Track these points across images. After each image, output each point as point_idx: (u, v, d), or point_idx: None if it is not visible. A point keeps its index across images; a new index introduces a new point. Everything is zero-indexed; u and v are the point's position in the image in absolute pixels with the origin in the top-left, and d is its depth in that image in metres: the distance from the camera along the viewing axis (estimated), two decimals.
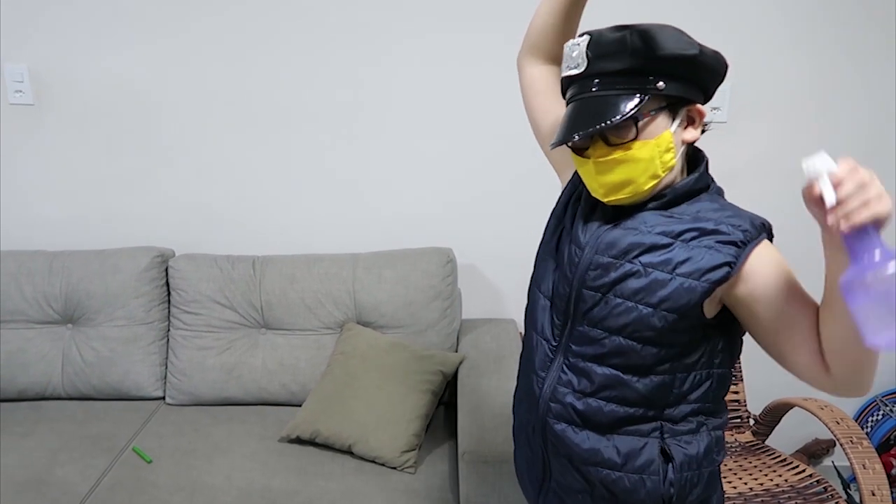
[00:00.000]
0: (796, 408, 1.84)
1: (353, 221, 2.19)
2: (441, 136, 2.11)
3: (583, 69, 0.94)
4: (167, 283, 2.08)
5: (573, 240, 1.03)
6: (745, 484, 1.71)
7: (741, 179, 2.13)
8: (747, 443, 1.94)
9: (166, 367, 2.05)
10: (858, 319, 0.78)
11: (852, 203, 0.75)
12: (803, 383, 2.44)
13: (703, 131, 1.00)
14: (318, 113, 2.10)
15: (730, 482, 1.72)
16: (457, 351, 2.03)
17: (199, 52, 2.05)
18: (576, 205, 1.08)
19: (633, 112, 0.90)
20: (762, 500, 1.63)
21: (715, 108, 2.07)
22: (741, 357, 2.16)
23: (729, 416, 1.97)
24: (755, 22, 1.99)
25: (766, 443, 1.95)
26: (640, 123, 0.92)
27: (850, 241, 0.77)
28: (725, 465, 1.81)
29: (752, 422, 1.99)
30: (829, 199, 0.76)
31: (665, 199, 0.97)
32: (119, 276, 2.01)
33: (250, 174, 2.16)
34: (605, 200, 0.98)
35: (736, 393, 2.00)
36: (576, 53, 0.95)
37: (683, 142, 0.98)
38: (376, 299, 1.99)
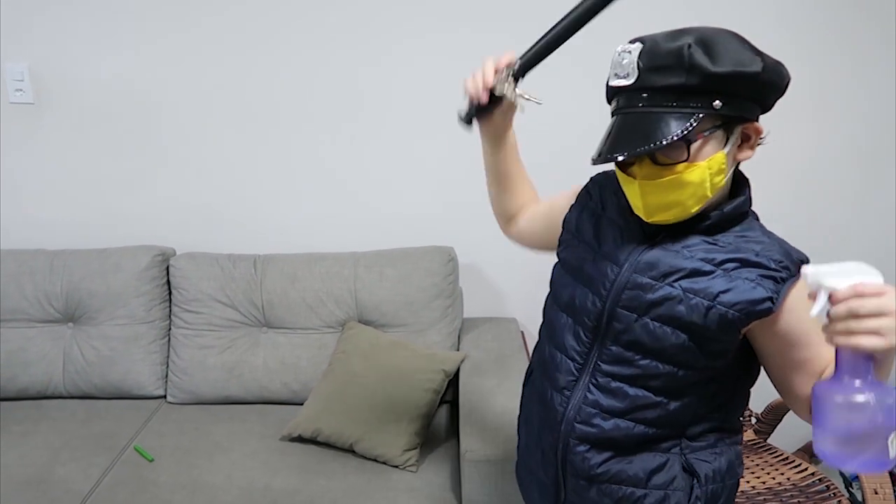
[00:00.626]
0: None
1: (353, 220, 2.19)
2: (442, 135, 2.11)
3: (632, 81, 0.87)
4: (168, 282, 2.08)
5: (607, 256, 0.99)
6: (748, 483, 1.71)
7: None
8: (749, 441, 1.93)
9: (167, 366, 2.05)
10: (815, 423, 0.81)
11: (837, 326, 0.75)
12: None
13: (745, 144, 0.93)
14: (318, 112, 2.10)
15: None
16: (458, 350, 2.03)
17: (199, 52, 2.05)
18: (591, 220, 1.07)
19: (685, 133, 0.84)
20: (765, 499, 1.63)
21: None
22: None
23: None
24: (752, 20, 1.99)
25: (768, 441, 1.94)
26: (693, 145, 0.86)
27: (840, 355, 0.78)
28: None
29: (753, 420, 1.99)
30: (813, 310, 0.77)
31: (710, 222, 0.93)
32: (120, 275, 2.01)
33: (251, 173, 2.16)
34: (647, 220, 0.93)
35: None
36: (626, 62, 0.88)
37: (736, 160, 0.92)
38: (378, 298, 1.99)
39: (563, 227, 1.13)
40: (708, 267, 0.91)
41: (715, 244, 0.93)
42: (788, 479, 1.71)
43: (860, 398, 0.76)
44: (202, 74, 2.07)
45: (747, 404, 1.09)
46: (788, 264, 0.90)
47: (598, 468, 1.00)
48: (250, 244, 2.20)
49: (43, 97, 2.09)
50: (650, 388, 0.97)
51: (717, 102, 0.85)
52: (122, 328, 2.01)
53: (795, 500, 1.62)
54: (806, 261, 0.91)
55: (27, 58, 2.06)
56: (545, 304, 1.16)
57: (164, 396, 2.05)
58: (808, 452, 2.23)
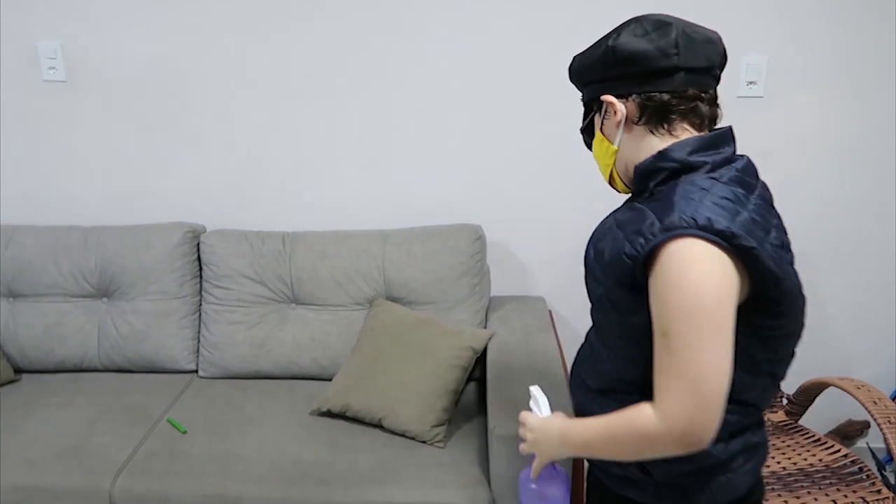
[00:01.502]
0: (829, 388, 1.81)
1: (382, 198, 2.19)
2: (471, 113, 2.10)
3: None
4: (199, 259, 2.10)
5: None
6: (779, 463, 1.69)
7: (777, 157, 2.09)
8: (780, 422, 1.91)
9: (199, 341, 2.08)
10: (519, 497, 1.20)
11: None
12: (837, 363, 2.41)
13: (643, 108, 0.98)
14: (349, 90, 2.09)
15: None
16: (485, 328, 2.03)
17: (231, 29, 2.05)
18: None
19: (583, 124, 1.10)
20: (796, 480, 1.62)
21: (750, 83, 2.02)
22: None
23: None
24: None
25: (800, 422, 1.92)
26: (593, 126, 1.07)
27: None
28: None
29: (785, 401, 1.96)
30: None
31: (634, 186, 1.04)
32: (152, 251, 2.04)
33: (280, 151, 2.17)
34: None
35: None
36: None
37: (620, 126, 1.01)
38: (406, 276, 1.99)
39: None
40: (613, 225, 1.02)
41: (634, 207, 1.00)
42: (820, 460, 1.69)
43: (533, 486, 1.15)
44: (233, 52, 2.07)
45: (751, 390, 1.04)
46: (670, 224, 0.88)
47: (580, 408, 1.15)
48: (279, 221, 2.22)
49: (75, 75, 2.11)
50: (603, 340, 1.06)
51: (582, 94, 1.08)
52: (155, 303, 2.04)
53: (827, 482, 1.60)
54: (704, 223, 0.87)
55: (60, 36, 2.08)
56: None
57: (196, 371, 2.09)
58: (840, 434, 2.21)
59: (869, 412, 1.60)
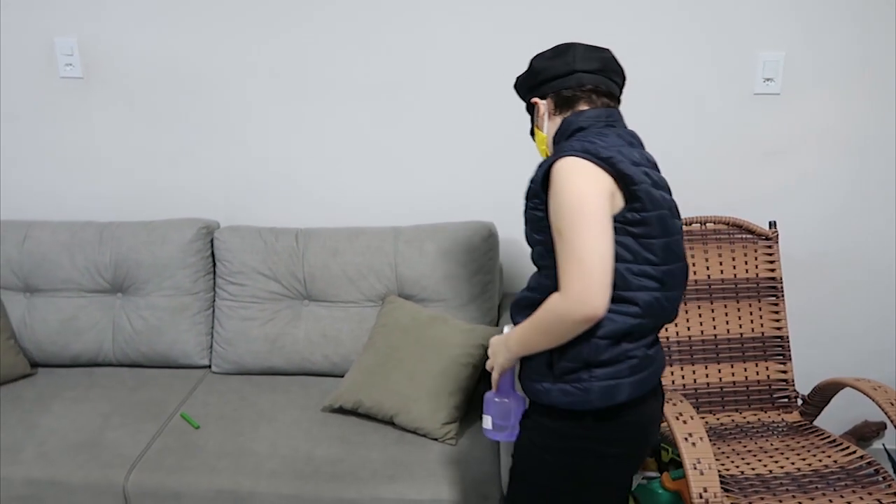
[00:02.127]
0: (845, 389, 1.79)
1: (395, 195, 2.19)
2: (484, 109, 2.09)
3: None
4: (213, 255, 2.11)
5: None
6: (793, 464, 1.67)
7: (793, 154, 2.07)
8: (795, 423, 1.90)
9: (212, 337, 2.09)
10: (484, 411, 1.38)
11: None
12: (853, 364, 2.39)
13: (558, 106, 1.30)
14: (362, 86, 2.09)
15: (777, 462, 1.69)
16: (498, 325, 2.02)
17: (244, 27, 2.06)
18: None
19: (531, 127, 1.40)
20: (810, 481, 1.60)
21: (767, 80, 2.00)
22: (789, 336, 2.12)
23: (776, 395, 1.94)
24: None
25: (815, 423, 1.90)
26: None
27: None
28: (772, 444, 1.78)
29: (799, 402, 1.95)
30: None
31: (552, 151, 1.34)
32: (166, 246, 2.05)
33: (294, 148, 2.17)
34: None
35: (784, 373, 1.96)
36: None
37: (545, 117, 1.32)
38: (418, 273, 1.99)
39: None
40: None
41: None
42: (836, 461, 1.67)
43: (496, 399, 1.35)
44: (247, 49, 2.08)
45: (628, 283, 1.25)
46: (559, 153, 1.18)
47: None
48: (293, 217, 2.23)
49: (92, 72, 2.13)
50: (539, 267, 1.26)
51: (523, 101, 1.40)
52: (169, 299, 2.06)
53: (842, 483, 1.59)
54: (581, 149, 1.17)
55: (77, 33, 2.09)
56: None
57: (209, 366, 2.10)
58: (855, 435, 2.18)
59: (886, 413, 1.58)
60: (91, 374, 2.05)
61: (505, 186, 2.16)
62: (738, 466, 1.68)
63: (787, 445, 1.78)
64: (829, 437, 1.79)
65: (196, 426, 1.77)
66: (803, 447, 1.76)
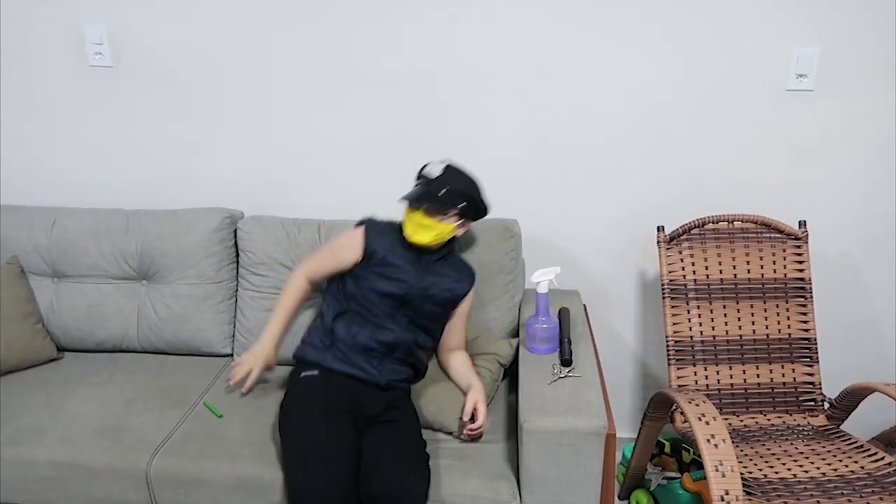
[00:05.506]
0: (873, 393, 1.75)
1: None
2: (508, 103, 2.07)
3: (435, 177, 1.74)
4: (236, 244, 2.12)
5: None
6: (818, 469, 1.64)
7: (824, 151, 2.02)
8: (821, 427, 1.86)
9: (234, 326, 2.11)
10: (528, 336, 1.81)
11: None
12: (882, 368, 2.36)
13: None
14: (386, 78, 2.09)
15: (801, 465, 1.66)
16: (519, 321, 2.01)
17: (271, 17, 2.06)
18: None
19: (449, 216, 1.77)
20: (835, 486, 1.57)
21: (801, 76, 1.95)
22: (817, 339, 2.08)
23: (802, 398, 1.90)
24: None
25: (841, 428, 1.86)
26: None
27: (538, 300, 1.79)
28: (796, 448, 1.75)
29: (826, 405, 1.91)
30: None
31: (443, 253, 1.82)
32: (191, 235, 2.07)
33: (318, 138, 2.17)
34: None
35: (811, 375, 1.92)
36: (436, 168, 1.75)
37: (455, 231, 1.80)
38: None
39: None
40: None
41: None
42: (862, 467, 1.64)
43: (546, 322, 1.78)
44: (273, 41, 2.08)
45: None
46: (472, 273, 1.88)
47: None
48: (316, 208, 2.23)
49: (121, 60, 2.15)
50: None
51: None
52: (193, 287, 2.07)
53: (869, 490, 1.55)
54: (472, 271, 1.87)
55: (106, 22, 2.11)
56: None
57: (231, 355, 2.12)
58: (883, 441, 2.14)
59: None
60: (116, 360, 2.08)
61: (529, 182, 2.15)
62: (760, 469, 1.65)
63: (813, 449, 1.75)
64: (855, 442, 1.75)
65: (219, 415, 1.79)
66: (829, 451, 1.73)
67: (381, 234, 1.81)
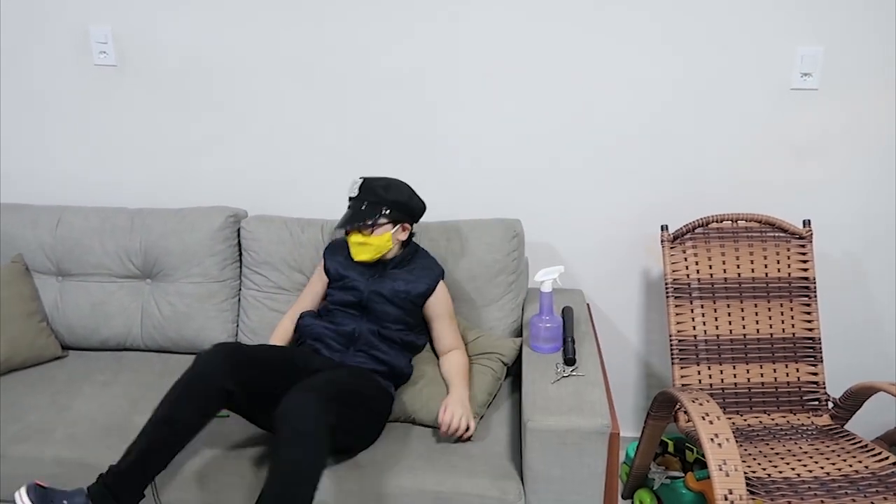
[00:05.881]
0: (878, 393, 1.75)
1: (421, 190, 2.18)
2: (512, 105, 2.07)
3: (355, 196, 1.80)
4: (240, 243, 2.13)
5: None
6: (822, 468, 1.64)
7: (829, 150, 2.02)
8: (825, 426, 1.86)
9: (238, 325, 2.11)
10: (532, 335, 1.82)
11: None
12: (886, 367, 2.35)
13: (411, 234, 1.86)
14: (390, 78, 2.09)
15: (805, 465, 1.65)
16: (522, 321, 2.01)
17: (275, 17, 2.06)
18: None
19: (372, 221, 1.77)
20: (840, 486, 1.57)
21: (805, 74, 1.95)
22: (821, 338, 2.08)
23: (806, 397, 1.90)
24: None
25: (845, 427, 1.86)
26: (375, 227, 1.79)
27: (541, 299, 1.78)
28: (800, 447, 1.75)
29: (830, 405, 1.91)
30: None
31: (396, 260, 1.86)
32: (195, 234, 2.07)
33: (322, 137, 2.18)
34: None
35: (815, 375, 1.92)
36: (355, 188, 1.80)
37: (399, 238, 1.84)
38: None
39: None
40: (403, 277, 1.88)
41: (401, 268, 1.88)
42: (867, 467, 1.64)
43: (550, 321, 1.78)
44: (277, 40, 2.08)
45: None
46: (438, 273, 1.87)
47: None
48: (319, 208, 2.24)
49: (125, 60, 2.15)
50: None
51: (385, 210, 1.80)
52: (197, 286, 2.08)
53: (873, 490, 1.55)
54: (441, 275, 1.88)
55: (111, 21, 2.12)
56: None
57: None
58: (888, 441, 2.13)
59: None
60: (120, 359, 2.09)
61: (532, 182, 2.15)
62: (764, 469, 1.65)
63: (817, 449, 1.74)
64: (860, 441, 1.75)
65: (225, 416, 1.79)
66: (833, 451, 1.73)
67: (336, 253, 1.89)
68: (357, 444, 1.63)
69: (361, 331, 1.78)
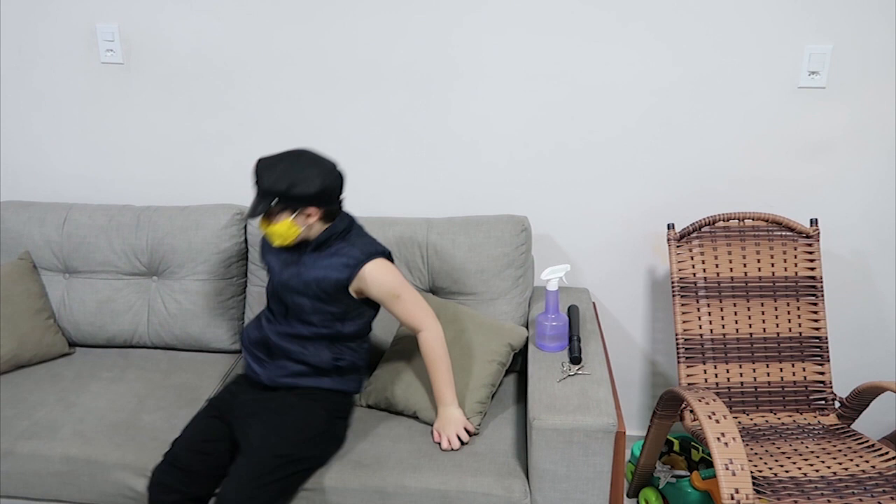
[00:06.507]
0: (885, 393, 1.74)
1: (428, 185, 2.19)
2: (520, 102, 2.07)
3: (253, 181, 1.65)
4: (246, 241, 2.13)
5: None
6: (829, 468, 1.64)
7: (836, 149, 2.01)
8: (831, 426, 1.85)
9: (243, 322, 2.12)
10: (538, 333, 1.82)
11: None
12: (893, 367, 2.34)
13: (329, 213, 1.67)
14: (396, 75, 2.08)
15: (811, 464, 1.65)
16: (528, 318, 2.01)
17: (282, 15, 2.06)
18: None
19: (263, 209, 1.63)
20: (846, 486, 1.56)
21: (813, 73, 1.94)
22: (828, 337, 2.08)
23: (812, 397, 1.89)
24: None
25: (852, 427, 1.86)
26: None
27: (547, 297, 1.78)
28: (807, 447, 1.74)
29: (837, 404, 1.90)
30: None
31: (313, 244, 1.69)
32: (201, 231, 2.08)
33: (327, 135, 2.18)
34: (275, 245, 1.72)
35: (821, 374, 1.91)
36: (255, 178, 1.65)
37: (309, 219, 1.65)
38: (449, 265, 1.98)
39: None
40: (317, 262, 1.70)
41: (322, 252, 1.70)
42: (873, 466, 1.63)
43: (556, 320, 1.78)
44: (283, 38, 2.08)
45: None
46: (360, 256, 1.65)
47: None
48: None
49: (132, 58, 2.16)
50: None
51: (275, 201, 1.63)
52: (203, 283, 2.08)
53: (880, 490, 1.54)
54: (382, 251, 1.69)
55: (118, 19, 2.12)
56: None
57: (241, 351, 2.12)
58: (894, 440, 2.13)
59: None
60: (127, 356, 2.10)
61: (539, 179, 2.14)
62: (770, 468, 1.65)
63: (823, 448, 1.74)
64: (867, 441, 1.74)
65: None
66: (839, 451, 1.72)
67: (267, 248, 1.81)
68: (325, 455, 1.63)
69: (269, 336, 1.71)
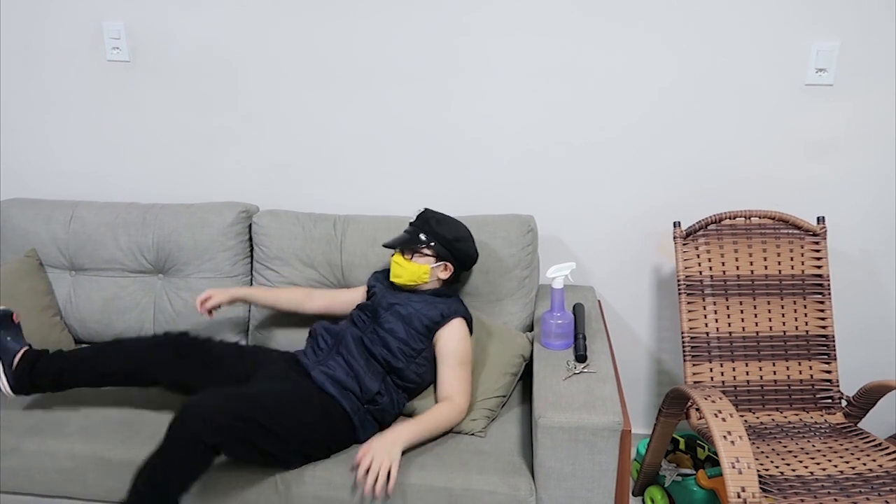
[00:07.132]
0: (892, 391, 1.73)
1: (435, 184, 2.18)
2: (527, 102, 2.07)
3: (412, 220, 1.87)
4: (251, 239, 2.13)
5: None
6: (836, 466, 1.63)
7: (843, 146, 2.00)
8: (838, 424, 1.85)
9: (249, 320, 2.12)
10: (543, 331, 1.81)
11: None
12: None
13: (455, 277, 1.87)
14: (405, 73, 2.08)
15: (818, 463, 1.64)
16: (534, 318, 2.01)
17: (288, 12, 2.06)
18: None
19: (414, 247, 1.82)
20: (853, 484, 1.56)
21: (820, 70, 1.93)
22: (835, 336, 2.07)
23: (819, 395, 1.89)
24: None
25: (859, 426, 1.85)
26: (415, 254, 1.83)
27: (553, 295, 1.77)
28: (813, 445, 1.74)
29: (843, 403, 1.89)
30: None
31: (428, 291, 1.84)
32: (207, 229, 2.08)
33: (335, 133, 2.18)
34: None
35: (828, 373, 1.90)
36: (417, 213, 1.87)
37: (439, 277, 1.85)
38: None
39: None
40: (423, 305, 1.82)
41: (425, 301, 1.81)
42: (881, 465, 1.62)
43: (561, 318, 1.77)
44: (290, 34, 2.09)
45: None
46: (449, 313, 1.76)
47: None
48: (331, 204, 2.24)
49: (138, 55, 2.16)
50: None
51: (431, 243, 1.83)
52: (208, 281, 2.09)
53: (888, 489, 1.54)
54: (465, 316, 1.80)
55: (124, 17, 2.12)
56: None
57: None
58: None
59: None
60: None
61: (545, 179, 2.14)
62: (777, 467, 1.64)
63: (830, 447, 1.73)
64: (873, 440, 1.74)
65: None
66: (846, 449, 1.72)
67: (377, 277, 1.93)
68: (302, 450, 1.57)
69: (347, 333, 1.76)
